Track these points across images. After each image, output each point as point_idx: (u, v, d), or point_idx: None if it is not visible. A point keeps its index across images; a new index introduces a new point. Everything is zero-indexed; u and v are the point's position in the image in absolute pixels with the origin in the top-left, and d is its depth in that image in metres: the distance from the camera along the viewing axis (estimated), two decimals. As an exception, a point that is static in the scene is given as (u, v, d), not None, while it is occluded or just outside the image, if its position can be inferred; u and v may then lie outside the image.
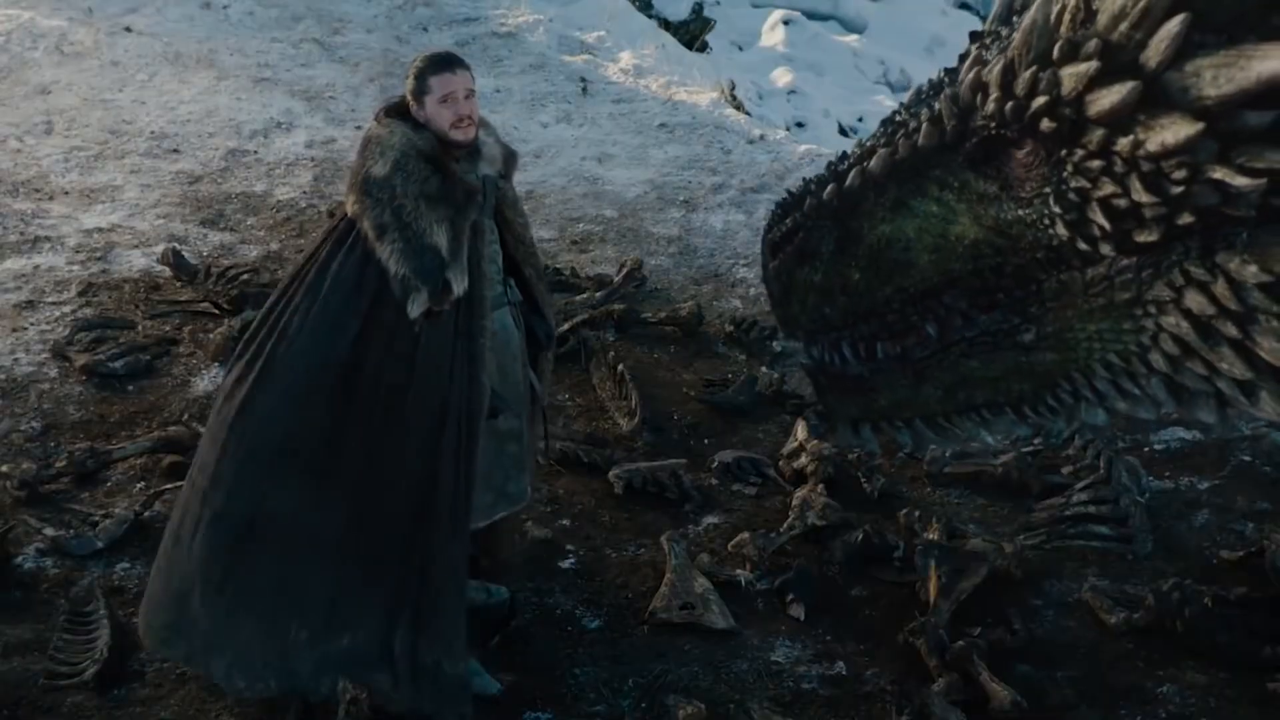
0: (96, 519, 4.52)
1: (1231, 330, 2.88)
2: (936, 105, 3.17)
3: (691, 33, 11.26)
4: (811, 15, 12.57)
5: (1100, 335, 3.09)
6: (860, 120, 10.66)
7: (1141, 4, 2.78)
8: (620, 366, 5.48)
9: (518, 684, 3.87)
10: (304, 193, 7.30)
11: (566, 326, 5.73)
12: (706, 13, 11.77)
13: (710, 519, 4.69)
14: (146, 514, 4.57)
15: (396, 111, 3.58)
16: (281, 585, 3.57)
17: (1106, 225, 2.92)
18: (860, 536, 4.43)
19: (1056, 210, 2.99)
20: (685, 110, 8.44)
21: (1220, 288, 2.86)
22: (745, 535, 4.47)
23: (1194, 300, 2.90)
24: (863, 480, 4.82)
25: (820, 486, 4.70)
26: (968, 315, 3.24)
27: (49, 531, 4.45)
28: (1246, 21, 2.74)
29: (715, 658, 4.02)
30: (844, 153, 3.42)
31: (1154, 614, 4.09)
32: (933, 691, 3.79)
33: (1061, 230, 3.00)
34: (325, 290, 3.54)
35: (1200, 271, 2.88)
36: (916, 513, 4.58)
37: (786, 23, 12.04)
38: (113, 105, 8.25)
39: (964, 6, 13.60)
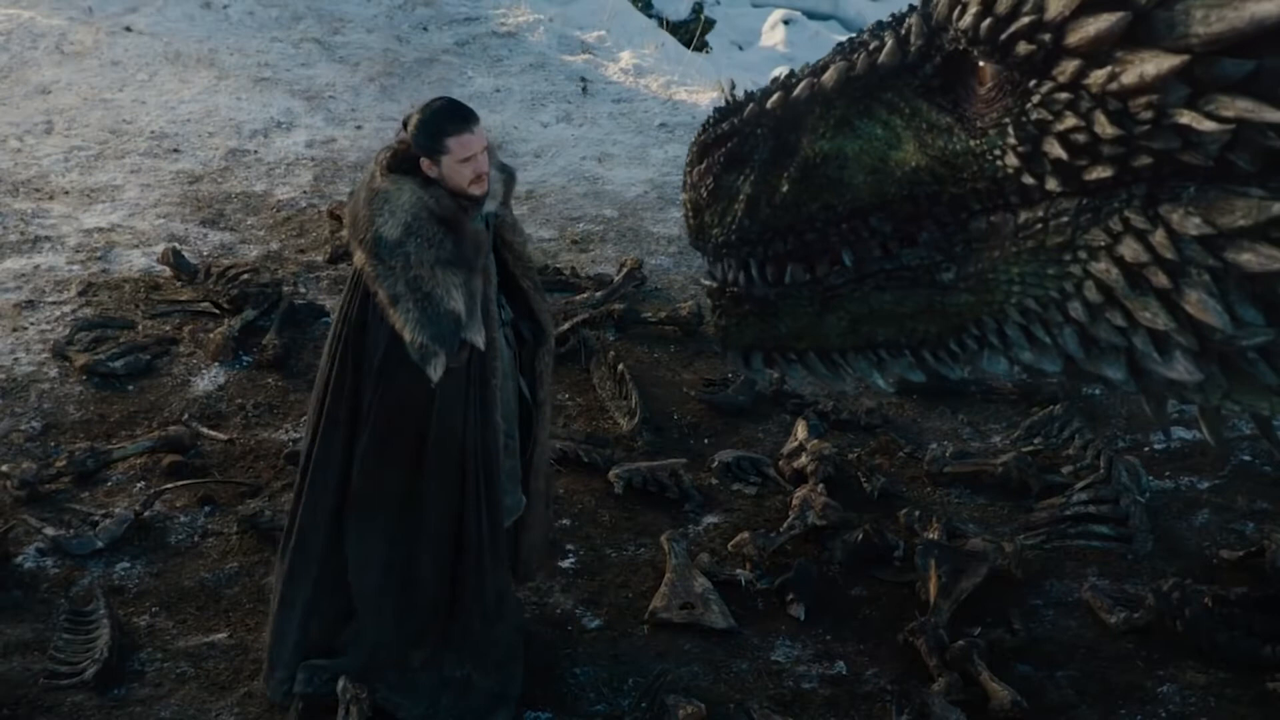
0: (96, 519, 4.52)
1: (1162, 280, 2.86)
2: (905, 25, 3.12)
3: (691, 32, 11.25)
4: (811, 15, 12.56)
5: (1022, 278, 3.05)
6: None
7: None
8: (620, 366, 5.48)
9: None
10: (304, 192, 7.29)
11: (566, 326, 5.73)
12: (706, 13, 11.76)
13: (710, 519, 4.69)
14: (146, 514, 4.58)
15: (400, 163, 3.48)
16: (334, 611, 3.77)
17: (1062, 157, 2.89)
18: (860, 536, 4.43)
19: (1011, 142, 2.95)
20: (685, 110, 8.44)
21: (1159, 237, 2.84)
22: (745, 535, 4.47)
23: (1129, 248, 2.88)
24: (863, 480, 4.82)
25: (820, 486, 4.69)
26: (888, 247, 3.18)
27: (49, 531, 4.45)
28: None
29: (715, 658, 4.02)
30: (792, 70, 3.36)
31: (1154, 614, 4.09)
32: (933, 691, 3.79)
33: (1011, 161, 2.96)
34: (362, 344, 3.59)
35: (1140, 220, 2.86)
36: (916, 512, 4.58)
37: (786, 22, 12.03)
38: (113, 105, 8.24)
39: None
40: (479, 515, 3.63)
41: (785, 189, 3.21)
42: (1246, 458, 4.99)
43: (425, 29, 9.68)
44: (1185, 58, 2.71)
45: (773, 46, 11.80)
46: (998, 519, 4.69)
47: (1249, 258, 2.77)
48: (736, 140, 3.27)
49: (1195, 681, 3.92)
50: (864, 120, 3.15)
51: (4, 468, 4.79)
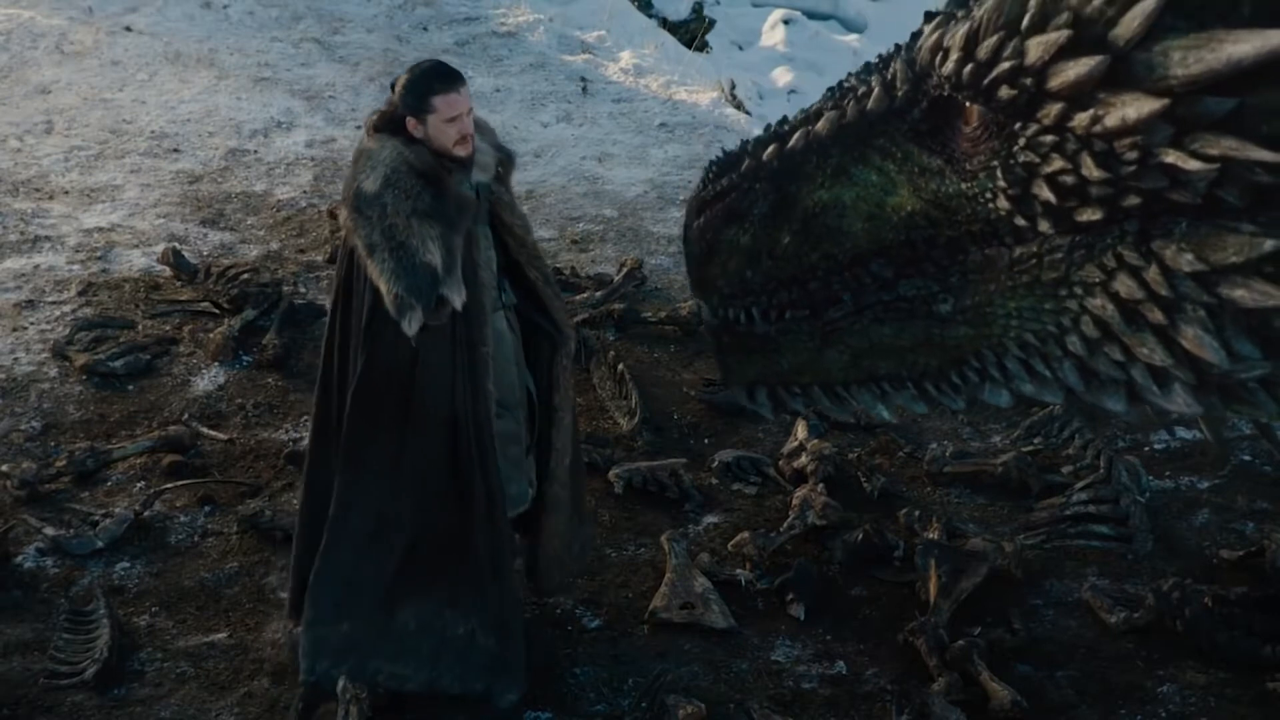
0: (96, 519, 4.52)
1: (1157, 316, 2.87)
2: (890, 70, 3.14)
3: (691, 32, 11.25)
4: (811, 15, 12.55)
5: (1019, 313, 3.07)
6: (860, 120, 10.62)
7: None
8: (620, 366, 5.48)
9: (518, 684, 3.88)
10: (304, 192, 7.29)
11: (566, 326, 5.74)
12: (706, 12, 11.76)
13: (710, 518, 4.69)
14: (146, 514, 4.58)
15: (387, 123, 3.53)
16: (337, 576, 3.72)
17: (1051, 200, 2.91)
18: (860, 536, 4.43)
19: (1001, 184, 2.97)
20: (685, 110, 8.44)
21: (1153, 273, 2.85)
22: (745, 535, 4.47)
23: (1123, 284, 2.89)
24: (863, 480, 4.82)
25: (820, 486, 4.69)
26: (887, 282, 3.20)
27: (49, 531, 4.45)
28: (1216, 8, 2.74)
29: (715, 657, 4.02)
30: (785, 117, 3.37)
31: (1154, 614, 4.09)
32: (933, 691, 3.79)
33: (1002, 204, 2.98)
34: (351, 308, 3.60)
35: (1134, 256, 2.87)
36: (916, 512, 4.58)
37: (786, 22, 12.01)
38: (113, 105, 8.24)
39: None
40: (471, 475, 3.59)
41: (786, 240, 3.24)
42: (1246, 458, 4.98)
43: (425, 29, 9.68)
44: (1166, 100, 2.73)
45: (773, 46, 11.79)
46: (998, 519, 4.69)
47: (1243, 294, 2.78)
48: (735, 195, 3.30)
49: (1195, 681, 3.92)
50: (859, 167, 3.17)
51: (4, 468, 4.79)
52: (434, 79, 3.50)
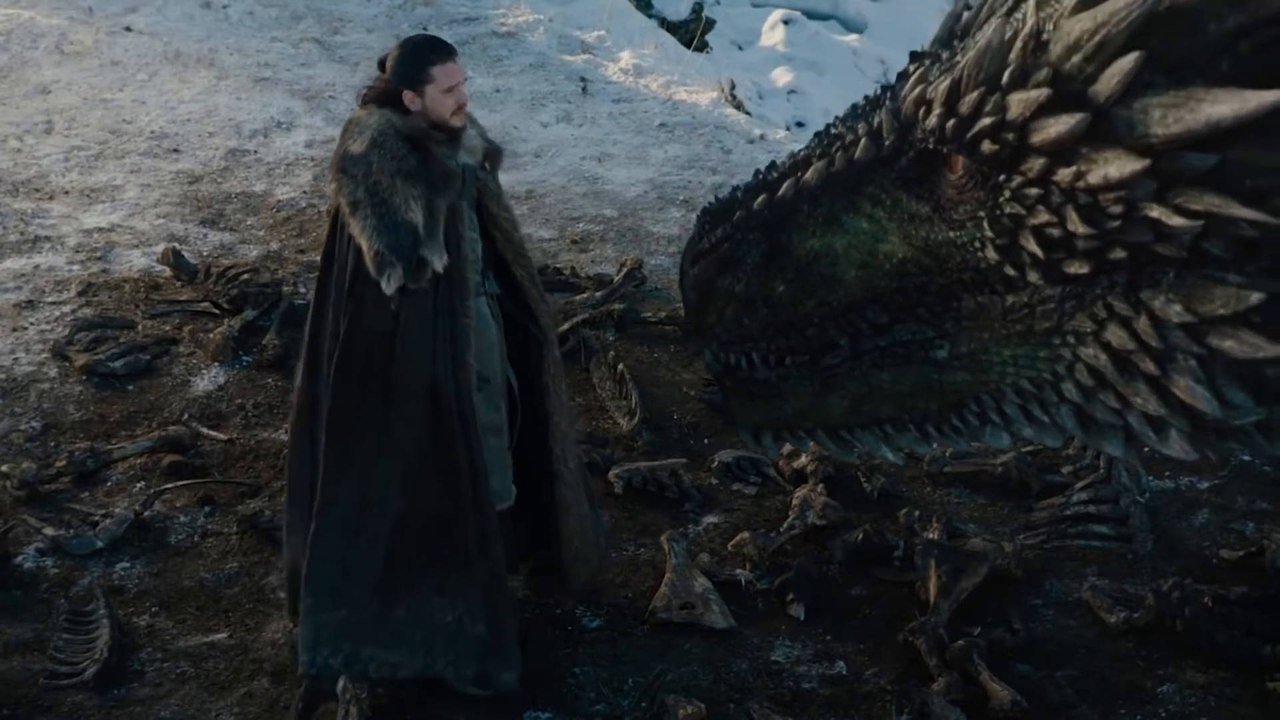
0: (96, 519, 4.52)
1: (1149, 366, 2.90)
2: (876, 119, 3.17)
3: (691, 32, 11.25)
4: (811, 15, 12.55)
5: (1015, 360, 3.11)
6: (860, 120, 10.62)
7: (1097, 38, 2.80)
8: (620, 366, 5.48)
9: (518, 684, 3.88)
10: (304, 192, 7.29)
11: (566, 326, 5.73)
12: (706, 12, 11.76)
13: (710, 519, 4.69)
14: (146, 514, 4.58)
15: (378, 97, 3.55)
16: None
17: (1038, 253, 2.94)
18: (860, 536, 4.43)
19: (988, 235, 3.00)
20: (685, 110, 8.44)
21: (1143, 324, 2.88)
22: (745, 535, 4.47)
23: (1115, 334, 2.93)
24: (863, 480, 4.82)
25: (820, 486, 4.69)
26: (883, 328, 3.25)
27: (49, 531, 4.45)
28: (1196, 65, 2.77)
29: (715, 657, 4.02)
30: (772, 163, 3.42)
31: (1154, 613, 4.09)
32: (933, 691, 3.79)
33: (991, 254, 3.01)
34: (331, 274, 3.62)
35: (1124, 307, 2.90)
36: (916, 512, 4.58)
37: (786, 22, 12.02)
38: (113, 105, 8.25)
39: (964, 7, 13.58)
40: (454, 448, 3.59)
41: (781, 289, 3.28)
42: (1246, 458, 4.98)
43: (425, 29, 9.67)
44: (1148, 159, 2.75)
45: (773, 46, 11.80)
46: (998, 519, 4.69)
47: (1232, 344, 2.80)
48: (728, 245, 3.33)
49: (1195, 681, 3.92)
50: (850, 214, 3.20)
51: (4, 468, 4.79)
52: (429, 50, 3.54)
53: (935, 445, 3.41)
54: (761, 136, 8.13)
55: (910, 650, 4.00)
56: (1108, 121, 2.80)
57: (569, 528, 3.93)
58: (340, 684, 3.62)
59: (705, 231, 3.40)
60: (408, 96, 3.50)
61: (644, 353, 5.79)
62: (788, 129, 9.34)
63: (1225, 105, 2.68)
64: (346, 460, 3.63)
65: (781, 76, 11.15)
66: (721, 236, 3.34)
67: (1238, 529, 4.62)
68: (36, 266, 6.36)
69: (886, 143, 3.13)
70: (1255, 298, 2.75)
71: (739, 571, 4.35)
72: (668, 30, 10.97)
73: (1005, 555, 4.35)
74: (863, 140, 3.17)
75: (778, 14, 12.20)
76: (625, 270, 6.35)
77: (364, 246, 3.41)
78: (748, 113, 9.05)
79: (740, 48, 11.84)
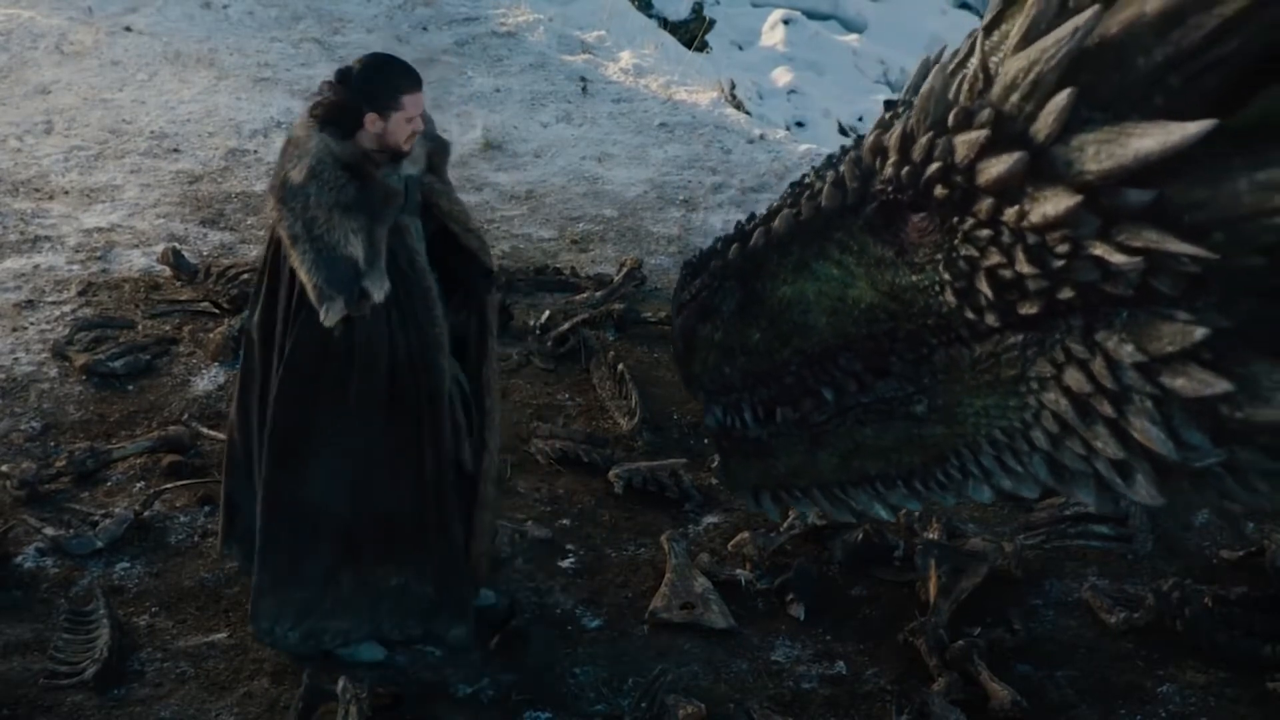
0: (96, 519, 4.52)
1: (1107, 409, 2.89)
2: (841, 168, 3.20)
3: (691, 32, 11.26)
4: (811, 15, 12.56)
5: (986, 411, 3.12)
6: (860, 119, 10.63)
7: (1031, 76, 2.80)
8: (620, 366, 5.48)
9: (518, 684, 3.88)
10: (304, 192, 7.29)
11: (566, 326, 5.74)
12: (706, 12, 11.76)
13: (710, 518, 4.69)
14: (146, 514, 4.58)
15: (327, 114, 3.48)
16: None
17: (991, 295, 2.95)
18: (860, 536, 4.43)
19: (946, 277, 3.02)
20: (685, 110, 8.44)
21: (1098, 366, 2.87)
22: (745, 535, 4.47)
23: (1073, 378, 2.92)
24: (863, 480, 4.82)
25: (820, 486, 4.69)
26: (863, 381, 3.27)
27: (49, 531, 4.45)
28: (1130, 99, 2.77)
29: (715, 658, 4.02)
30: (752, 214, 3.47)
31: (1154, 613, 4.09)
32: (933, 691, 3.79)
33: (950, 298, 3.03)
34: (268, 291, 3.70)
35: (1080, 349, 2.90)
36: (916, 512, 4.58)
37: (786, 22, 12.02)
38: (113, 105, 8.24)
39: (964, 6, 13.59)
40: (419, 447, 3.68)
41: (757, 336, 3.32)
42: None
43: (425, 29, 9.68)
44: (1082, 196, 2.75)
45: (773, 46, 11.80)
46: (998, 519, 4.69)
47: (1183, 382, 2.79)
48: (705, 294, 3.38)
49: (1195, 681, 3.92)
50: (819, 261, 3.23)
51: (4, 468, 4.79)
52: (402, 77, 3.51)
53: (923, 500, 3.43)
54: (761, 136, 8.14)
55: (910, 650, 4.00)
56: (1047, 159, 2.81)
57: (481, 524, 3.95)
58: (340, 684, 3.63)
59: (687, 282, 3.46)
60: (370, 118, 3.46)
61: (644, 353, 5.79)
62: (788, 129, 9.34)
63: (1152, 139, 2.68)
64: (291, 478, 3.72)
65: (781, 76, 11.16)
66: (700, 286, 3.40)
67: (1238, 529, 4.62)
68: (36, 266, 6.36)
69: (850, 190, 3.17)
70: (1200, 333, 2.74)
71: (739, 571, 4.35)
72: (668, 30, 10.98)
73: (1005, 555, 4.35)
74: (828, 188, 3.21)
75: (778, 14, 12.21)
76: (625, 270, 6.35)
77: (304, 279, 3.45)
78: (748, 113, 9.05)
79: (740, 48, 11.85)
